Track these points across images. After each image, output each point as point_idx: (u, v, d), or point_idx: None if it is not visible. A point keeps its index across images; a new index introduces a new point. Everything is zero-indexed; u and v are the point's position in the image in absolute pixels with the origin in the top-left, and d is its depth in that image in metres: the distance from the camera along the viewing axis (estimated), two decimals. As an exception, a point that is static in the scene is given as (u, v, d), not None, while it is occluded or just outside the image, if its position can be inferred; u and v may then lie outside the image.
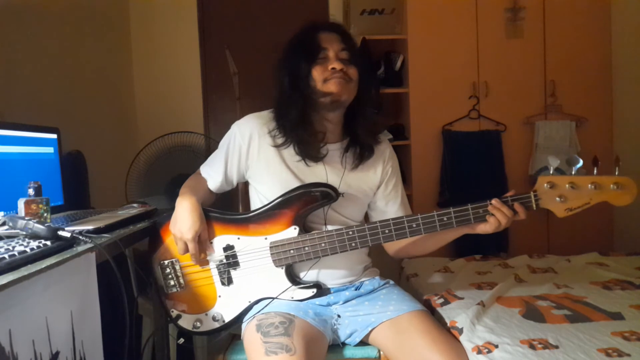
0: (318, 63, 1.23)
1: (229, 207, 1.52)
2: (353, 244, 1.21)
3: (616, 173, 1.14)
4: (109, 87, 2.61)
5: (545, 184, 1.16)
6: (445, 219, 1.18)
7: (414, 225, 1.19)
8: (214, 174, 1.35)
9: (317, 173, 1.29)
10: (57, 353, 0.82)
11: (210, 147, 2.26)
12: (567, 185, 1.15)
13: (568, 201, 1.15)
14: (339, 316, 1.27)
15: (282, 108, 1.27)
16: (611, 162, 1.18)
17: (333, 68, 1.22)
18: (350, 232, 1.21)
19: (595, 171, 1.15)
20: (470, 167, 2.62)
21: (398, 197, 1.39)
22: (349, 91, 1.25)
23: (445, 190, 2.62)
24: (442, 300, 1.41)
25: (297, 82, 1.24)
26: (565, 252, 1.96)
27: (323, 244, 1.22)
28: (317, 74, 1.23)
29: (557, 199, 1.16)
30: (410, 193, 2.65)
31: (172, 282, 1.28)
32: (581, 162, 1.15)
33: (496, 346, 1.10)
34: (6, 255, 0.77)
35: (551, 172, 1.18)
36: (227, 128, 1.34)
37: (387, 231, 1.20)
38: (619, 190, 1.13)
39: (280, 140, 1.27)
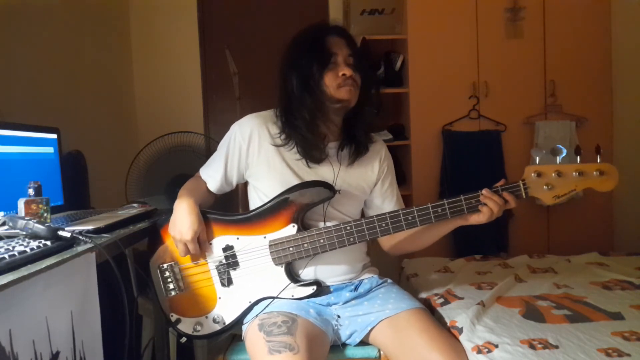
0: (330, 69, 1.24)
1: (228, 207, 1.52)
2: (351, 239, 1.23)
3: (598, 161, 1.19)
4: (109, 87, 2.61)
5: (533, 173, 1.20)
6: (439, 210, 1.20)
7: (410, 218, 1.21)
8: (213, 173, 1.35)
9: (317, 170, 1.30)
10: (57, 353, 0.82)
11: (210, 147, 2.25)
12: (553, 174, 1.19)
13: (555, 189, 1.20)
14: (338, 317, 1.28)
15: (290, 109, 1.27)
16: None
17: (344, 74, 1.23)
18: (348, 227, 1.22)
19: (578, 160, 1.19)
20: (470, 167, 2.61)
21: (394, 195, 1.42)
22: (356, 97, 1.28)
23: (445, 190, 2.62)
24: (442, 300, 1.41)
25: (308, 85, 1.24)
26: (565, 252, 1.96)
27: (322, 240, 1.22)
28: (329, 80, 1.24)
29: (545, 187, 1.20)
30: (410, 193, 2.65)
31: (171, 286, 1.27)
32: (565, 151, 1.19)
33: (496, 346, 1.10)
34: (6, 255, 0.77)
35: (537, 163, 1.21)
36: (227, 128, 1.34)
37: (384, 225, 1.22)
38: (602, 176, 1.18)
39: (281, 142, 1.28)
